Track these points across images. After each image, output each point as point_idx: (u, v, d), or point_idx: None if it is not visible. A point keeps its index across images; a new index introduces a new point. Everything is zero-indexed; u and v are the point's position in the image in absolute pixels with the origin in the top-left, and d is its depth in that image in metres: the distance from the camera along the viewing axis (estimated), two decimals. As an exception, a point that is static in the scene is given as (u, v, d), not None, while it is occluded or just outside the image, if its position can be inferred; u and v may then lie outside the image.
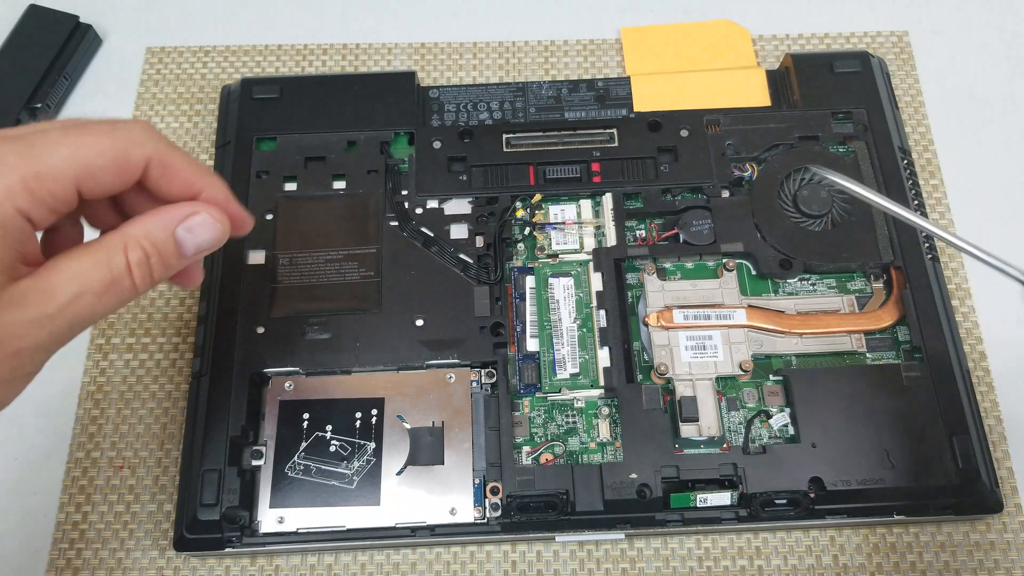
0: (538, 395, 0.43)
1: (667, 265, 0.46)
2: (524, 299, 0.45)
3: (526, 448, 0.42)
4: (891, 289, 0.45)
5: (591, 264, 0.45)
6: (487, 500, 0.40)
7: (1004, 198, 0.51)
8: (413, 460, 0.41)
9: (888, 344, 0.44)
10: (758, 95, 0.50)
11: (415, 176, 0.47)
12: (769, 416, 0.42)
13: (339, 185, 0.47)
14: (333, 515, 0.40)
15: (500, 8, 0.57)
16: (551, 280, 0.45)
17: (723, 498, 0.39)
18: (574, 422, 0.42)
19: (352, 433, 0.41)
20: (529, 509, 0.40)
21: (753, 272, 0.46)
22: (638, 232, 0.47)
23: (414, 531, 0.40)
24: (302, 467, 0.41)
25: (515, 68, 0.55)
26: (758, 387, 0.43)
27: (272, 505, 0.40)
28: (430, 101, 0.50)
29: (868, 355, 0.43)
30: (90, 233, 0.31)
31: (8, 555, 0.42)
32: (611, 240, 0.45)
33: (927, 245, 0.45)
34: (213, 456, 0.40)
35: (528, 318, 0.44)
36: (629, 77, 0.51)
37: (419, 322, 0.43)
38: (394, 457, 0.41)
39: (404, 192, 0.47)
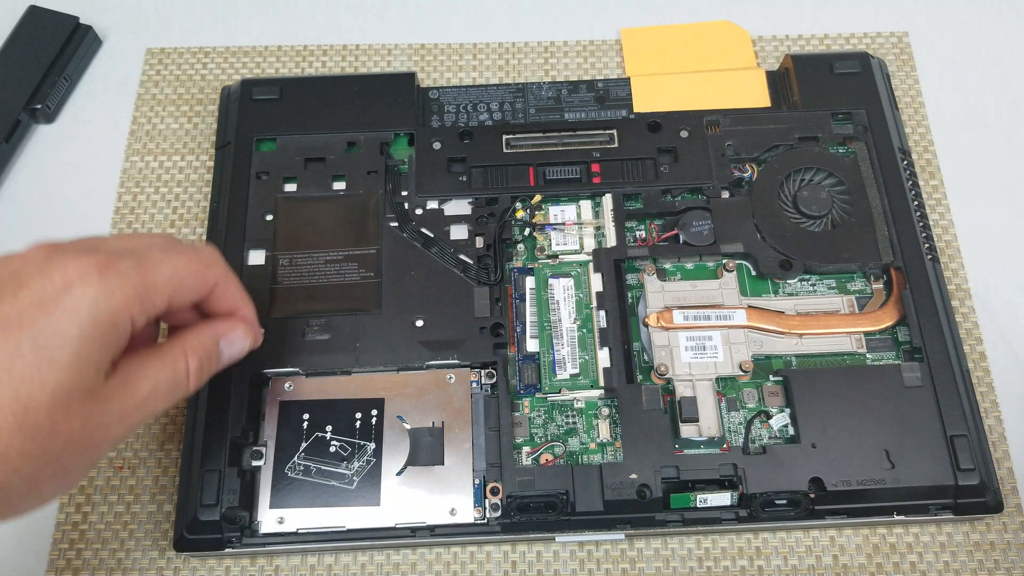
0: (538, 396, 0.43)
1: (667, 266, 0.46)
2: (524, 300, 0.45)
3: (526, 448, 0.42)
4: (891, 290, 0.45)
5: (591, 265, 0.45)
6: (487, 500, 0.40)
7: (1004, 198, 0.51)
8: (413, 460, 0.41)
9: (888, 344, 0.44)
10: (758, 96, 0.50)
11: (415, 177, 0.47)
12: (769, 416, 0.42)
13: (339, 186, 0.47)
14: (333, 515, 0.40)
15: (500, 9, 0.57)
16: (551, 281, 0.45)
17: (723, 498, 0.39)
18: (574, 422, 0.42)
19: (352, 433, 0.41)
20: (529, 509, 0.40)
21: (753, 273, 0.46)
22: (638, 233, 0.47)
23: (414, 531, 0.40)
24: (302, 467, 0.41)
25: (515, 69, 0.55)
26: (758, 387, 0.43)
27: (272, 505, 0.40)
28: (430, 102, 0.50)
29: (868, 355, 0.43)
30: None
31: (8, 555, 0.42)
32: (611, 241, 0.45)
33: (927, 246, 0.45)
34: (213, 456, 0.40)
35: (528, 319, 0.44)
36: (629, 78, 0.51)
37: (419, 323, 0.43)
38: (394, 457, 0.41)
39: (404, 193, 0.47)
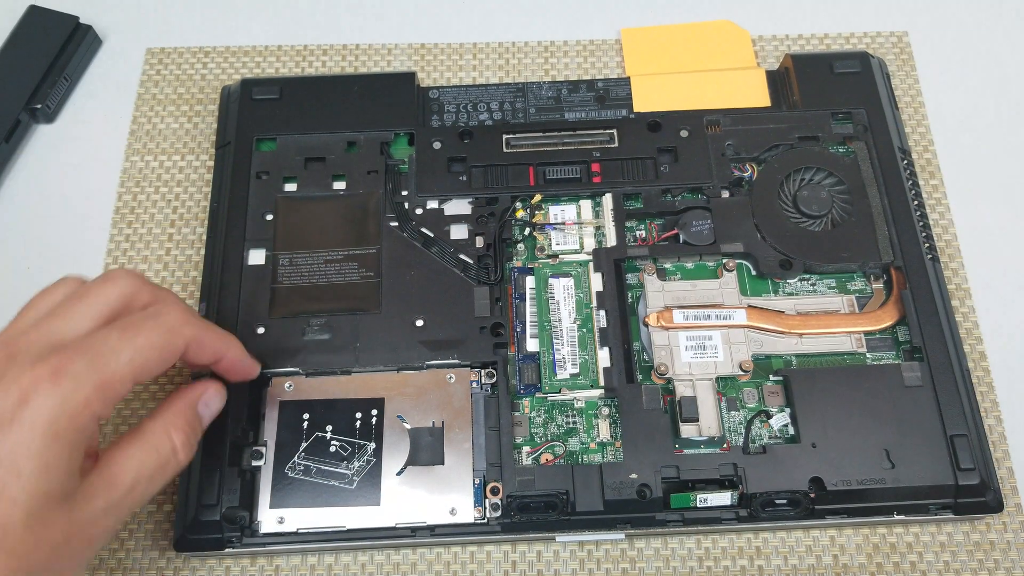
0: (538, 395, 0.43)
1: (667, 265, 0.46)
2: (524, 299, 0.45)
3: (526, 448, 0.42)
4: (891, 289, 0.45)
5: (591, 264, 0.45)
6: (487, 500, 0.40)
7: (1004, 198, 0.51)
8: (413, 460, 0.41)
9: (888, 344, 0.44)
10: (758, 95, 0.50)
11: (415, 176, 0.47)
12: (769, 416, 0.42)
13: (339, 185, 0.47)
14: (333, 515, 0.40)
15: (500, 8, 0.57)
16: (551, 280, 0.45)
17: (723, 498, 0.39)
18: (574, 422, 0.42)
19: (352, 433, 0.41)
20: (529, 509, 0.40)
21: (753, 272, 0.46)
22: (638, 232, 0.47)
23: (414, 531, 0.40)
24: (302, 467, 0.41)
25: (515, 68, 0.55)
26: (758, 387, 0.43)
27: (272, 505, 0.40)
28: (430, 101, 0.50)
29: (868, 355, 0.43)
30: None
31: (8, 556, 0.42)
32: (611, 240, 0.45)
33: (927, 245, 0.45)
34: (213, 456, 0.40)
35: (528, 318, 0.44)
36: (629, 78, 0.51)
37: (419, 322, 0.43)
38: (394, 457, 0.41)
39: (404, 192, 0.47)
